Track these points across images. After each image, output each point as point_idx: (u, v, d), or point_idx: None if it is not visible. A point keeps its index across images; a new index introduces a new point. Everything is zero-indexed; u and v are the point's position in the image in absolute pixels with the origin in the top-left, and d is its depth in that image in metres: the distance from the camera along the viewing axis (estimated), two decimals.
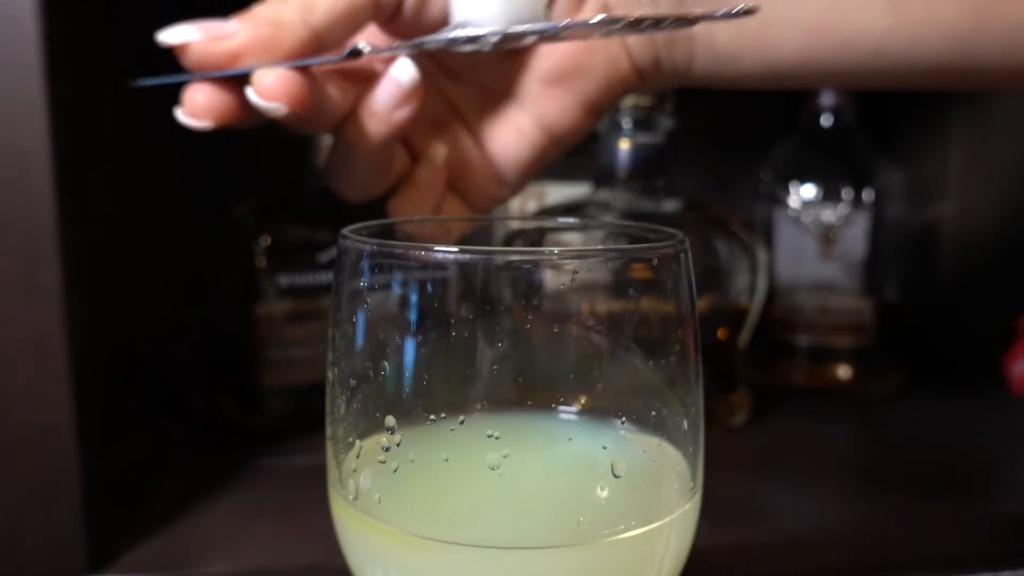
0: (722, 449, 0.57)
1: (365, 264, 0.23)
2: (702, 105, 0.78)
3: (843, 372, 0.72)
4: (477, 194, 0.39)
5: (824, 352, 0.72)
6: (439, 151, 0.36)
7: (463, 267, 0.21)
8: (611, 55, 0.36)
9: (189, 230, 0.61)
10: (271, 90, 0.29)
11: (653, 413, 0.23)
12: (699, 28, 0.34)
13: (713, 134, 0.81)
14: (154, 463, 0.51)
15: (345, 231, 0.24)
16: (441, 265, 0.21)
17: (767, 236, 0.73)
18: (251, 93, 0.30)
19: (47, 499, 0.39)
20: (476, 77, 0.37)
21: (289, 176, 0.62)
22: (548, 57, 0.35)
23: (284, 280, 0.58)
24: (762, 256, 0.60)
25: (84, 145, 0.40)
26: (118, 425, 0.45)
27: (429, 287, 0.22)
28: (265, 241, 0.58)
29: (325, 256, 0.59)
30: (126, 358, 0.47)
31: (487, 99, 0.37)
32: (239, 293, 0.58)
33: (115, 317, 0.45)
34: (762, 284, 0.60)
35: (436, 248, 0.21)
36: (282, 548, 0.43)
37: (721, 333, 0.60)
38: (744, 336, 0.62)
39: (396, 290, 0.22)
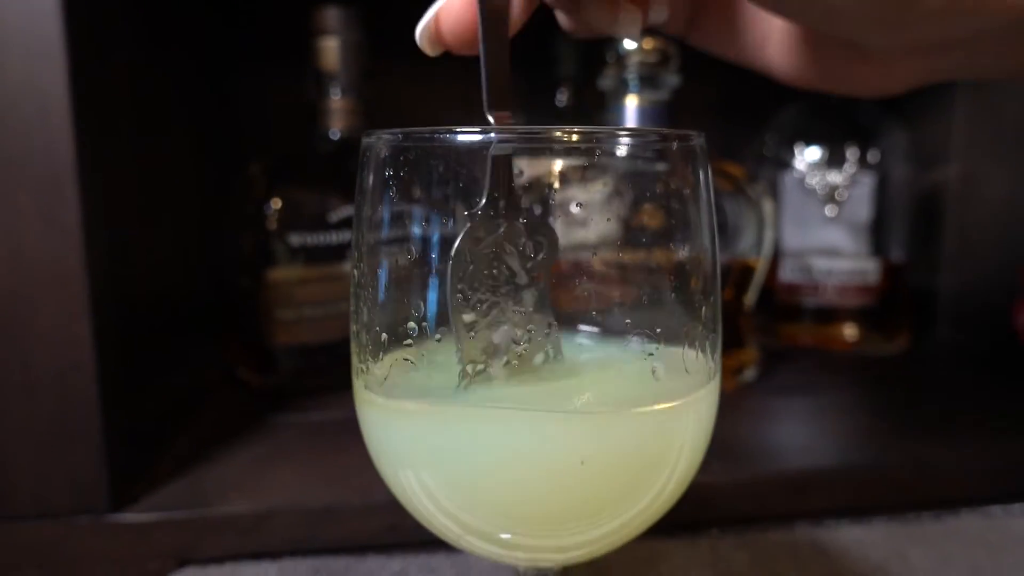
0: (732, 401, 0.58)
1: (389, 156, 0.23)
2: (707, 69, 0.79)
3: (849, 332, 0.72)
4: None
5: (830, 313, 0.73)
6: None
7: (485, 150, 0.22)
8: None
9: (203, 190, 0.61)
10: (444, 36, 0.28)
11: (673, 295, 0.24)
12: None
13: (718, 98, 0.82)
14: (174, 415, 0.51)
15: (370, 131, 0.24)
16: (465, 149, 0.22)
17: (778, 200, 0.73)
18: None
19: (70, 438, 0.40)
20: None
21: (300, 138, 0.62)
22: None
23: (295, 240, 0.58)
24: (768, 208, 0.60)
25: (101, 87, 0.41)
26: (139, 373, 0.45)
27: (454, 170, 0.22)
28: (276, 203, 0.59)
29: (335, 216, 0.59)
30: (145, 304, 0.47)
31: None
32: (251, 253, 0.59)
33: (134, 261, 0.45)
34: (769, 236, 0.61)
35: (461, 129, 0.21)
36: (299, 491, 0.43)
37: (728, 290, 0.61)
38: (752, 293, 0.62)
39: (421, 176, 0.23)
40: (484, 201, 0.23)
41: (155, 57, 0.51)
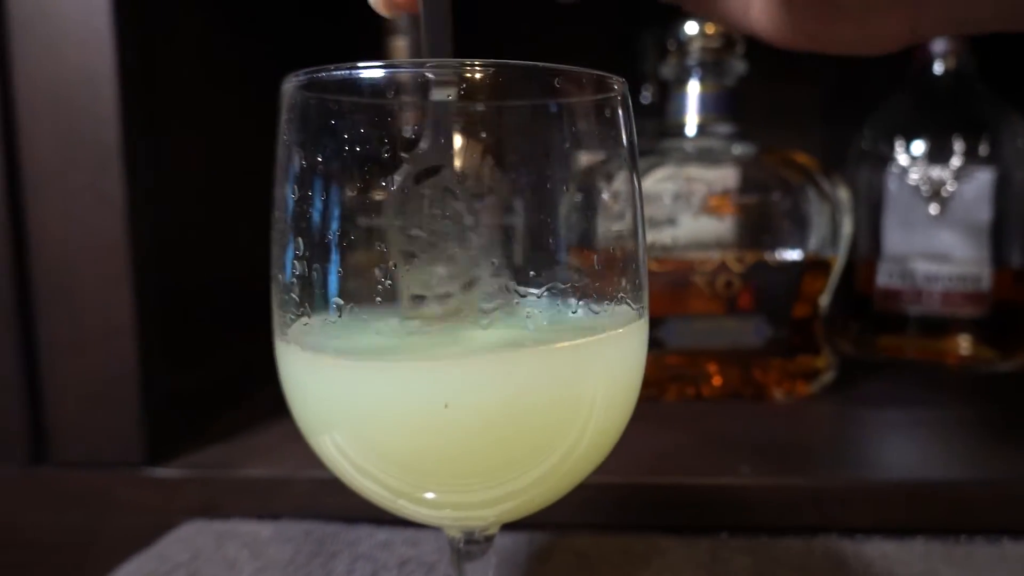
0: (797, 408, 0.54)
1: (298, 100, 0.24)
2: (807, 64, 0.75)
3: (963, 346, 0.65)
4: None
5: (940, 324, 0.65)
6: None
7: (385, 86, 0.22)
8: None
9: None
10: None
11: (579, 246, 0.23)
12: None
13: (818, 93, 0.77)
14: (225, 391, 0.54)
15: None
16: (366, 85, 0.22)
17: (875, 199, 0.67)
18: None
19: (112, 394, 0.43)
20: None
21: None
22: None
23: None
24: (844, 200, 0.55)
25: (154, 77, 0.45)
26: (189, 345, 0.49)
27: (362, 106, 0.22)
28: None
29: None
30: (199, 281, 0.50)
31: None
32: None
33: (188, 240, 0.49)
34: (846, 232, 0.56)
35: (360, 65, 0.22)
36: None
37: (803, 288, 0.56)
38: (827, 294, 0.57)
39: (332, 119, 0.23)
40: (427, 143, 0.23)
41: (228, 50, 0.54)
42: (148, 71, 0.44)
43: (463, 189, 0.23)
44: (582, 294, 0.24)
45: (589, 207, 0.25)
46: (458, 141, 0.23)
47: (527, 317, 0.23)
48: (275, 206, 0.25)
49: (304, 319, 0.24)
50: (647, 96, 0.75)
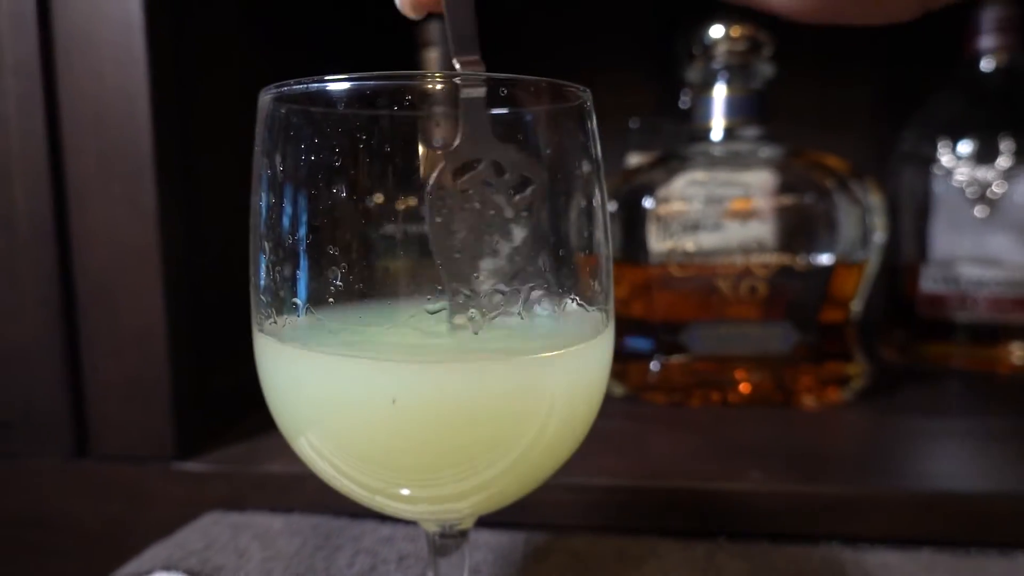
0: (819, 416, 0.52)
1: (269, 109, 0.25)
2: (853, 65, 0.73)
3: (1012, 354, 0.62)
4: None
5: (991, 331, 0.63)
6: None
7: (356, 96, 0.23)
8: None
9: None
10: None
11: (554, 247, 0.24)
12: None
13: (863, 94, 0.75)
14: (249, 390, 0.57)
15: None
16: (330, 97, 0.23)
17: (919, 202, 0.65)
18: None
19: (146, 392, 0.46)
20: None
21: None
22: None
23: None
24: (875, 204, 0.54)
25: (187, 93, 0.47)
26: (219, 349, 0.51)
27: (323, 116, 0.24)
28: None
29: None
30: (220, 282, 0.52)
31: None
32: None
33: (208, 244, 0.51)
34: (878, 236, 0.54)
35: (326, 78, 0.23)
36: None
37: (831, 293, 0.55)
38: (858, 299, 0.56)
39: (292, 131, 0.24)
40: (459, 140, 0.24)
41: (262, 66, 0.57)
42: (182, 90, 0.47)
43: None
44: (541, 298, 0.24)
45: (554, 216, 0.26)
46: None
47: (471, 319, 0.24)
48: (251, 213, 0.27)
49: (273, 320, 0.25)
50: (686, 101, 0.74)
